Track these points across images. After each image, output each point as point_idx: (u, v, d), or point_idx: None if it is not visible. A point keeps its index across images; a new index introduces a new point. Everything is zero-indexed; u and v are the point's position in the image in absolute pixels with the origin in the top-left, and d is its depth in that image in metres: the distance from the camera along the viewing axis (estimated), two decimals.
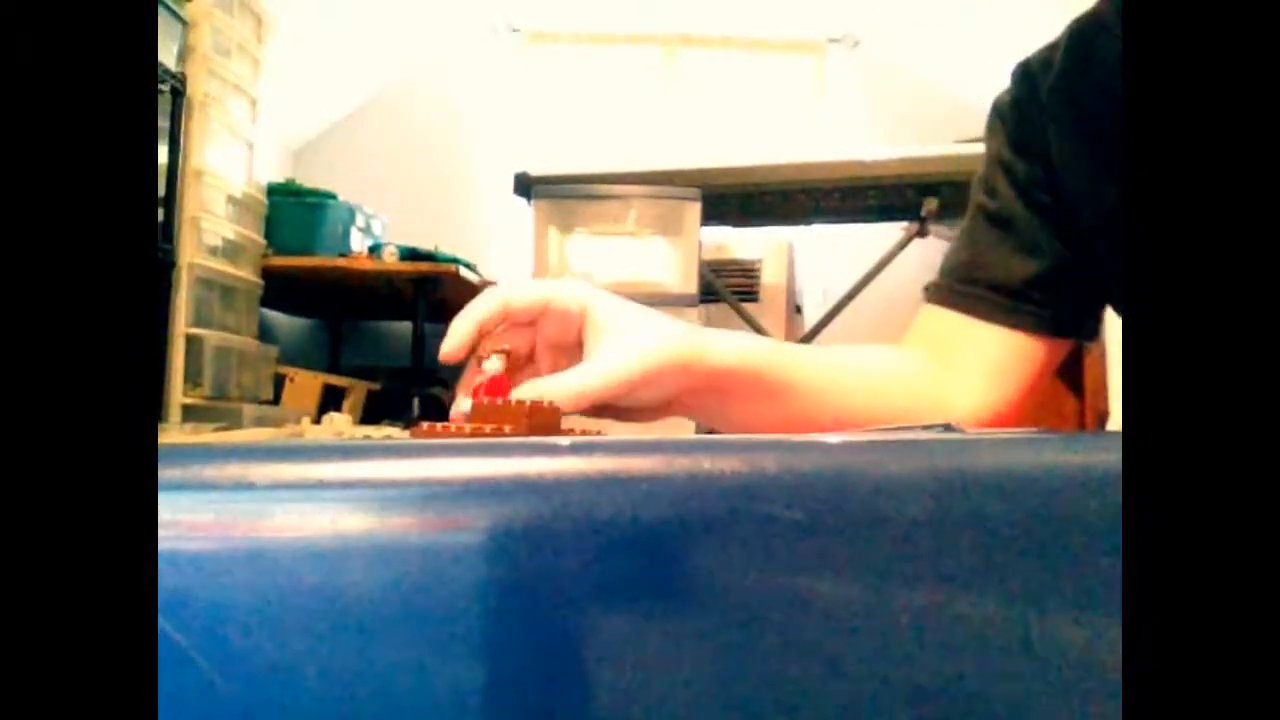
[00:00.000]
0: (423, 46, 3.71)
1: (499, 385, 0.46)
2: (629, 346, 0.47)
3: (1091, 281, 0.60)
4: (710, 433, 0.59)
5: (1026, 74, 0.61)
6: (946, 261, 0.63)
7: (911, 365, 0.61)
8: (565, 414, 0.43)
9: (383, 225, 3.17)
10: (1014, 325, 0.59)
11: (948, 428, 0.34)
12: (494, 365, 0.46)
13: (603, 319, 0.48)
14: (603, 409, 0.49)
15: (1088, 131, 0.56)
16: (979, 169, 0.64)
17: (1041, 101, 0.59)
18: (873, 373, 0.59)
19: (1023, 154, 0.60)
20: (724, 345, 0.52)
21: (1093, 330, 0.65)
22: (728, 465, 0.27)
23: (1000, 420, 0.60)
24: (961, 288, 0.61)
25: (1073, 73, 0.57)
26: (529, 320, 0.49)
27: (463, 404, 0.46)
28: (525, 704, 0.26)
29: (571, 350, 0.50)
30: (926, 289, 0.64)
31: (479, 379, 0.46)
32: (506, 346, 0.46)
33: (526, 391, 0.44)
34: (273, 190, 2.86)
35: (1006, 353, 0.59)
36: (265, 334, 2.87)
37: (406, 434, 0.50)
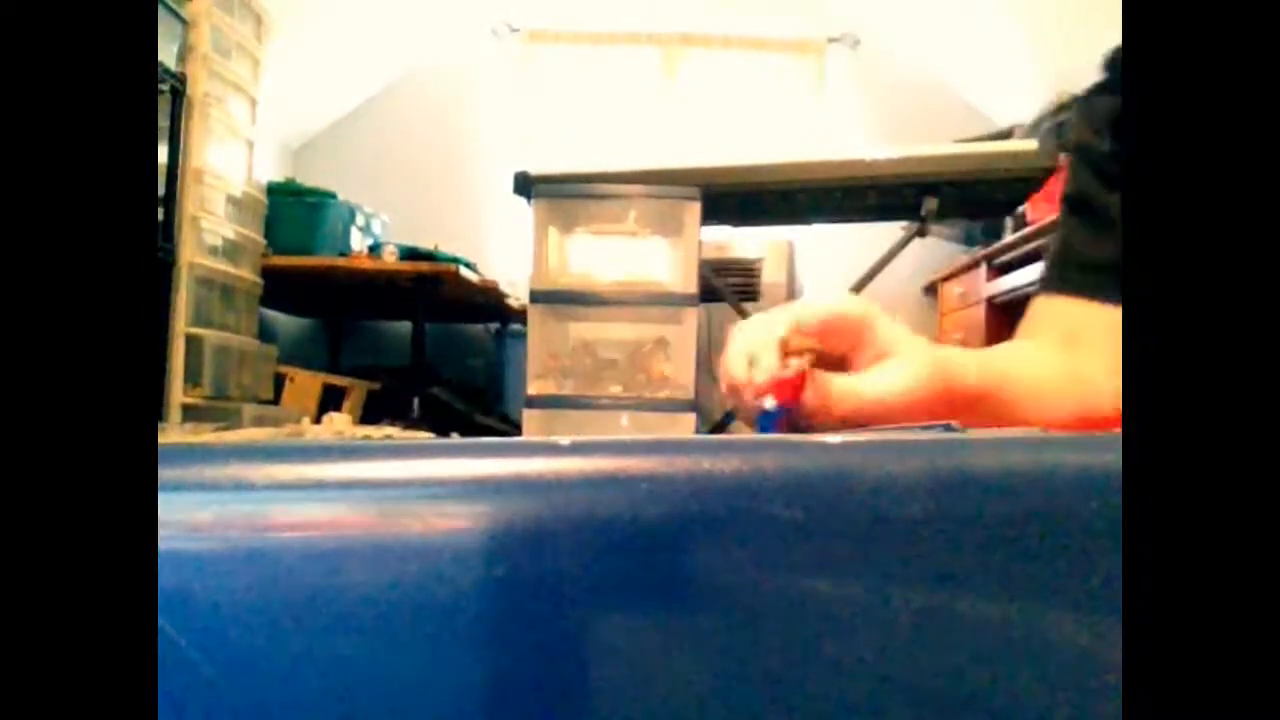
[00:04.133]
0: (423, 46, 3.71)
1: (795, 384, 0.46)
2: (902, 368, 0.49)
3: None
4: (712, 432, 0.59)
5: (1114, 57, 0.62)
6: (1047, 253, 0.65)
7: (1063, 359, 0.61)
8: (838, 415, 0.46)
9: (383, 225, 3.17)
10: (1118, 300, 0.59)
11: (948, 428, 0.33)
12: (799, 364, 0.47)
13: (882, 338, 0.50)
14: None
15: None
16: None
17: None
18: (1057, 373, 0.60)
19: (1100, 133, 0.62)
20: (969, 366, 0.53)
21: None
22: (728, 465, 0.27)
23: None
24: (1063, 273, 0.62)
25: None
26: (814, 334, 0.50)
27: (766, 402, 0.47)
28: (525, 704, 0.26)
29: (836, 362, 0.51)
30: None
31: (781, 373, 0.47)
32: (817, 347, 0.47)
33: (836, 384, 0.46)
34: (273, 190, 2.86)
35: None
36: (265, 334, 2.87)
37: (407, 434, 0.49)
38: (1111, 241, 0.60)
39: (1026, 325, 0.64)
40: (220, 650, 0.26)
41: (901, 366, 0.49)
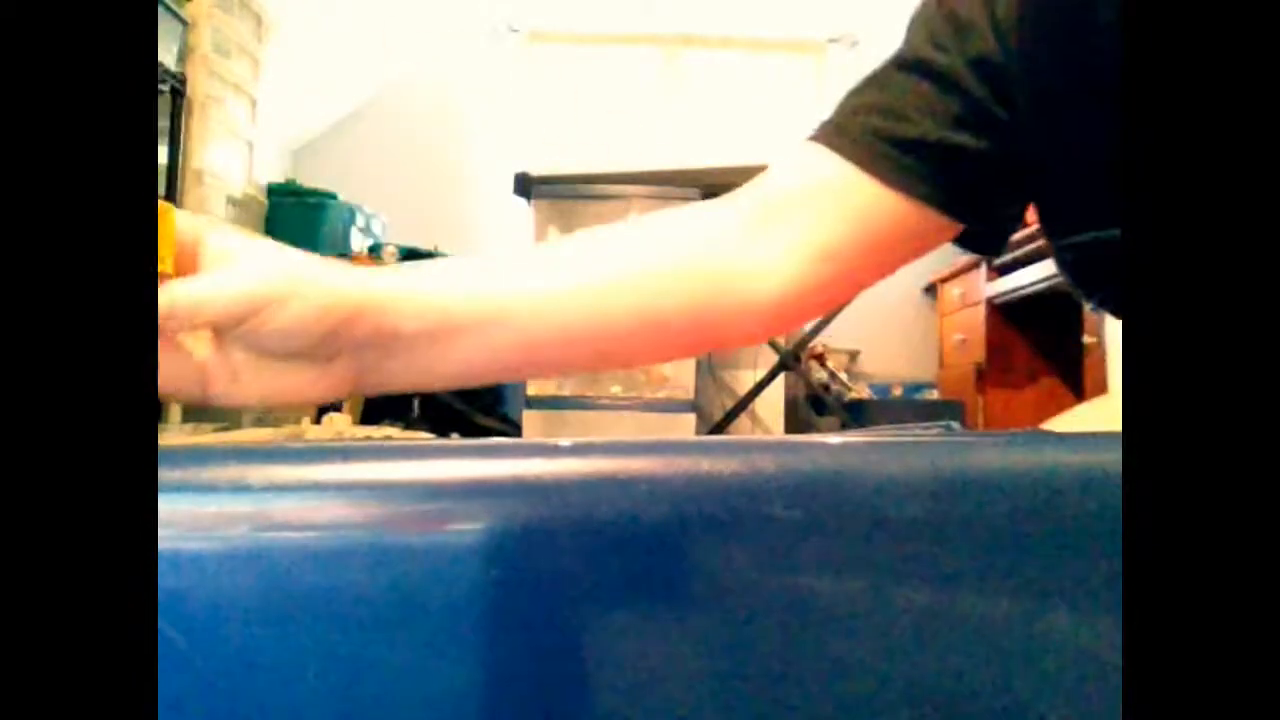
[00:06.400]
0: (423, 46, 3.71)
1: None
2: (246, 266, 0.40)
3: (1022, 186, 0.51)
4: (712, 432, 0.58)
5: None
6: (845, 104, 0.52)
7: (719, 233, 0.49)
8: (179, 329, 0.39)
9: (383, 225, 3.17)
10: (898, 184, 0.48)
11: (948, 428, 0.33)
12: None
13: (220, 247, 0.40)
14: (238, 344, 0.41)
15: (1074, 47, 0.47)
16: (925, 29, 0.52)
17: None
18: (630, 269, 0.47)
19: (980, 35, 0.50)
20: (386, 279, 0.43)
21: (996, 245, 0.55)
22: (727, 466, 0.27)
23: (814, 305, 0.51)
24: (853, 129, 0.50)
25: None
26: None
27: None
28: (524, 704, 0.26)
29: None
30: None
31: None
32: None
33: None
34: (273, 190, 2.87)
35: (869, 218, 0.49)
36: None
37: (407, 434, 0.49)
38: (962, 133, 0.48)
39: (760, 182, 0.51)
40: (220, 650, 0.26)
41: (236, 267, 0.39)
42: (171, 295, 0.38)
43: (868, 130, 0.50)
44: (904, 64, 0.51)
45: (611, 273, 0.47)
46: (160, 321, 0.37)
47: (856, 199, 0.49)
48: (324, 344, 0.42)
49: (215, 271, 0.40)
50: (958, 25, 0.50)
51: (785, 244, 0.49)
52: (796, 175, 0.51)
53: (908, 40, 0.52)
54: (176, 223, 0.39)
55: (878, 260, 0.52)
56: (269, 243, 0.42)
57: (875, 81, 0.52)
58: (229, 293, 0.39)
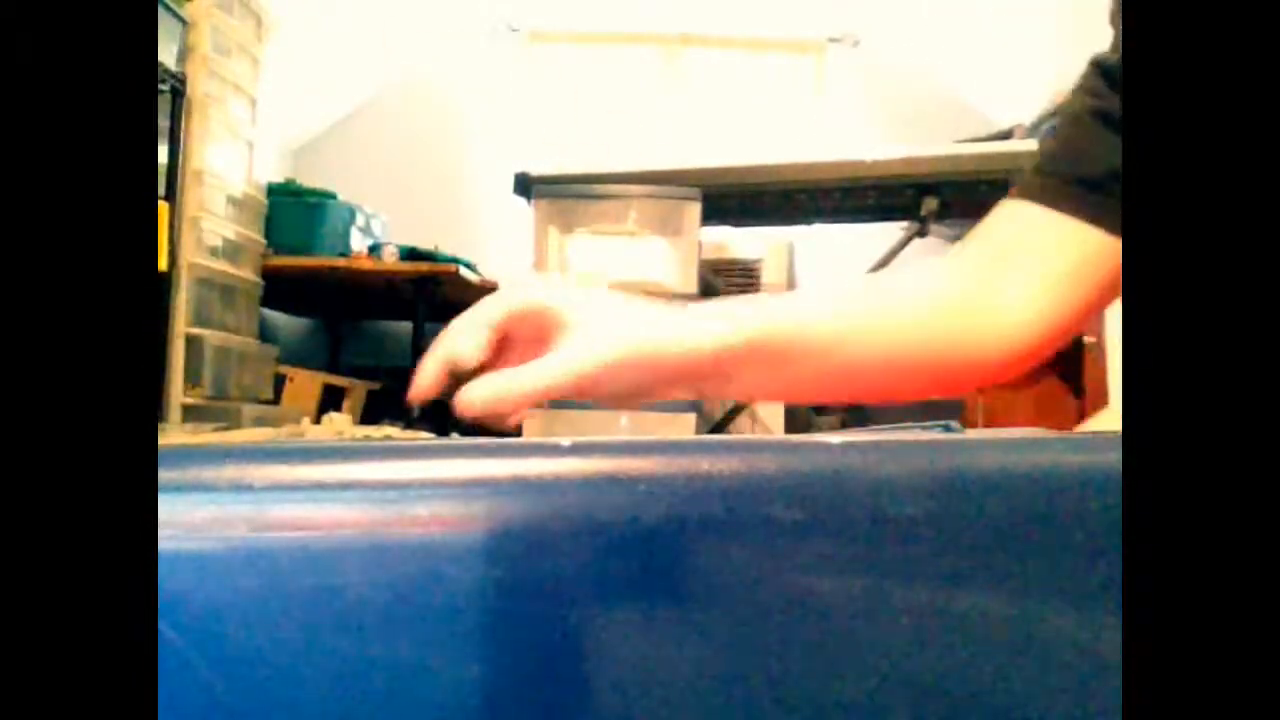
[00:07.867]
0: (423, 46, 3.71)
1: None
2: (588, 341, 0.47)
3: None
4: (712, 432, 0.59)
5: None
6: (1033, 159, 0.59)
7: (955, 282, 0.55)
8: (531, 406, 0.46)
9: (383, 225, 3.17)
10: (1096, 220, 0.53)
11: (947, 428, 0.34)
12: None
13: (568, 316, 0.49)
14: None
15: None
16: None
17: None
18: (900, 306, 0.54)
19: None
20: (696, 332, 0.49)
21: None
22: (727, 466, 0.27)
23: (1060, 335, 0.55)
24: (1044, 180, 0.56)
25: None
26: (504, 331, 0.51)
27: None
28: (525, 703, 0.26)
29: (544, 347, 0.50)
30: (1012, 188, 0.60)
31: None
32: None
33: (490, 384, 0.47)
34: (273, 190, 2.86)
35: (1082, 253, 0.54)
36: (265, 334, 2.87)
37: (407, 434, 0.50)
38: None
39: (980, 236, 0.57)
40: (220, 651, 0.26)
41: (580, 342, 0.47)
42: (509, 386, 0.47)
43: (1061, 178, 0.56)
44: (1070, 114, 0.59)
45: (891, 317, 0.52)
46: (505, 408, 0.47)
47: (1060, 232, 0.54)
48: (660, 395, 0.50)
49: (561, 348, 0.47)
50: (1104, 69, 0.57)
51: (1029, 275, 0.54)
52: (1010, 227, 0.57)
53: (1071, 97, 0.59)
54: (533, 297, 0.49)
55: (1109, 274, 0.56)
56: (614, 310, 0.49)
57: (1053, 133, 0.59)
58: (561, 379, 0.46)
